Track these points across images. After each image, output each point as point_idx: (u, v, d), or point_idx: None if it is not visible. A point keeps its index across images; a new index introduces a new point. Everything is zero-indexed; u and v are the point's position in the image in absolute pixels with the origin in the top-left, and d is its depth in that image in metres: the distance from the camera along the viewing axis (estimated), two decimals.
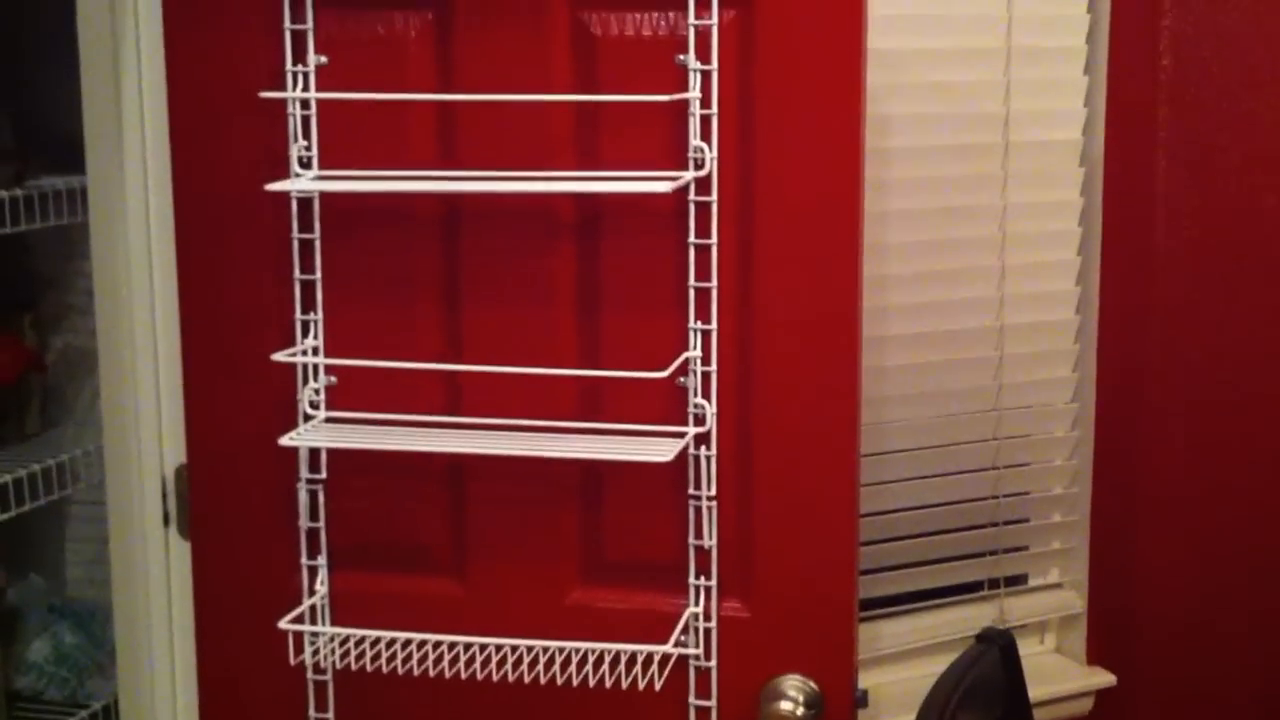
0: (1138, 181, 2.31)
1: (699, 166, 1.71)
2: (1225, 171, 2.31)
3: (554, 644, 1.78)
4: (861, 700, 1.72)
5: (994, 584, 2.36)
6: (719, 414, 1.75)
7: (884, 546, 2.26)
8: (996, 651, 1.72)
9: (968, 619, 2.32)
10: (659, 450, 1.69)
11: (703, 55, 1.71)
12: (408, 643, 1.81)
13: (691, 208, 1.73)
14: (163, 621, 1.97)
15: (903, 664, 2.30)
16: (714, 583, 1.77)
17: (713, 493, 1.76)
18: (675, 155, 1.72)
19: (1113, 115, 2.32)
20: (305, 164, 1.79)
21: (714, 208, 1.72)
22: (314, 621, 1.85)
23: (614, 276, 1.76)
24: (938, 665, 2.22)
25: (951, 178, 2.27)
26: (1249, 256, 2.34)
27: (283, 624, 1.79)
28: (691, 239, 1.73)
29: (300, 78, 1.78)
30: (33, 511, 2.27)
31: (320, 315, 1.82)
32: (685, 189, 1.72)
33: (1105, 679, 2.35)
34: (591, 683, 1.78)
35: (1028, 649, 2.37)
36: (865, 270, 1.73)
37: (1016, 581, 2.40)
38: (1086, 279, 2.36)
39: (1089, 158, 2.34)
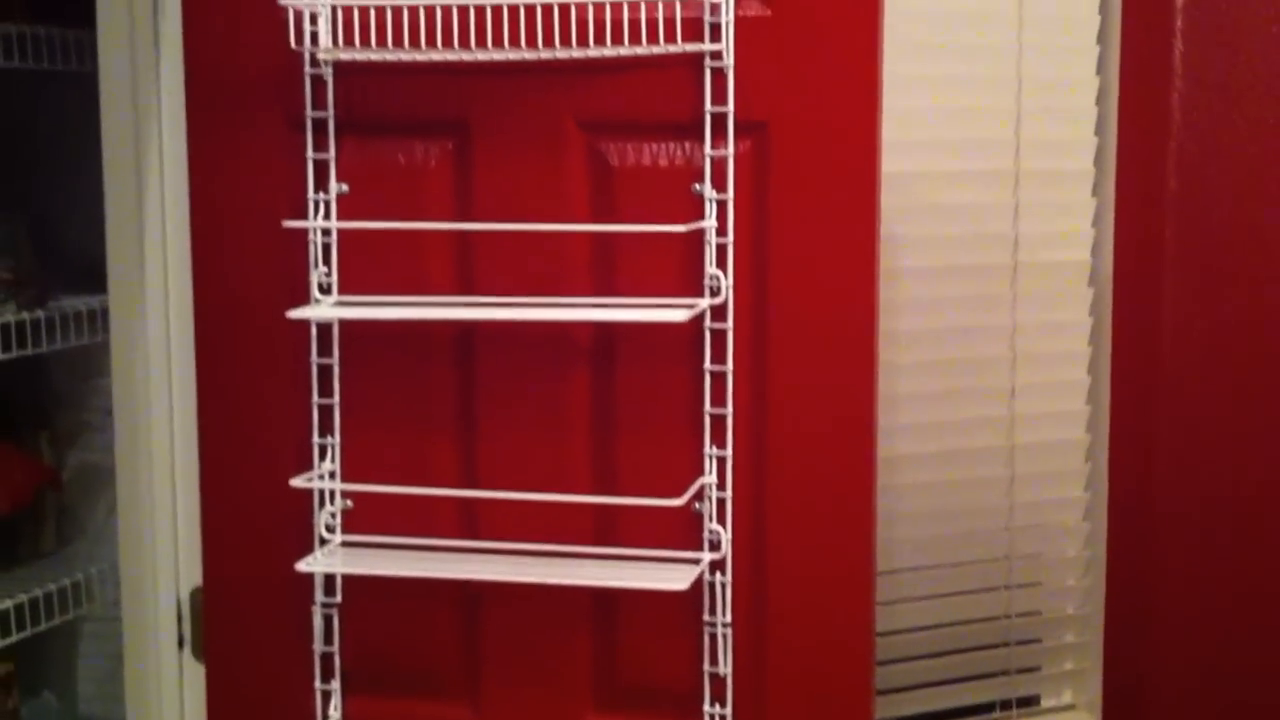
0: (1146, 301, 2.33)
1: (715, 294, 1.73)
2: (1233, 290, 2.32)
3: None
4: None
5: (1006, 705, 2.34)
6: (734, 539, 1.76)
7: (895, 667, 2.25)
8: None
9: None
10: (674, 578, 1.69)
11: (719, 184, 1.73)
12: None
13: (707, 334, 1.75)
14: None
15: None
16: (729, 711, 1.77)
17: (728, 619, 1.76)
18: (690, 281, 1.75)
19: (1120, 237, 2.34)
20: (325, 289, 1.81)
21: (729, 335, 1.74)
22: None
23: (629, 402, 1.77)
24: None
25: (961, 297, 2.29)
26: (1258, 372, 2.35)
27: None
28: (707, 365, 1.75)
29: (322, 205, 1.80)
30: (47, 629, 2.28)
31: (338, 439, 1.83)
32: (700, 316, 1.74)
33: None
34: None
35: None
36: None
37: (1029, 702, 2.39)
38: (1096, 398, 2.37)
39: (1098, 278, 2.36)
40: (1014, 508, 2.33)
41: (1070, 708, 2.42)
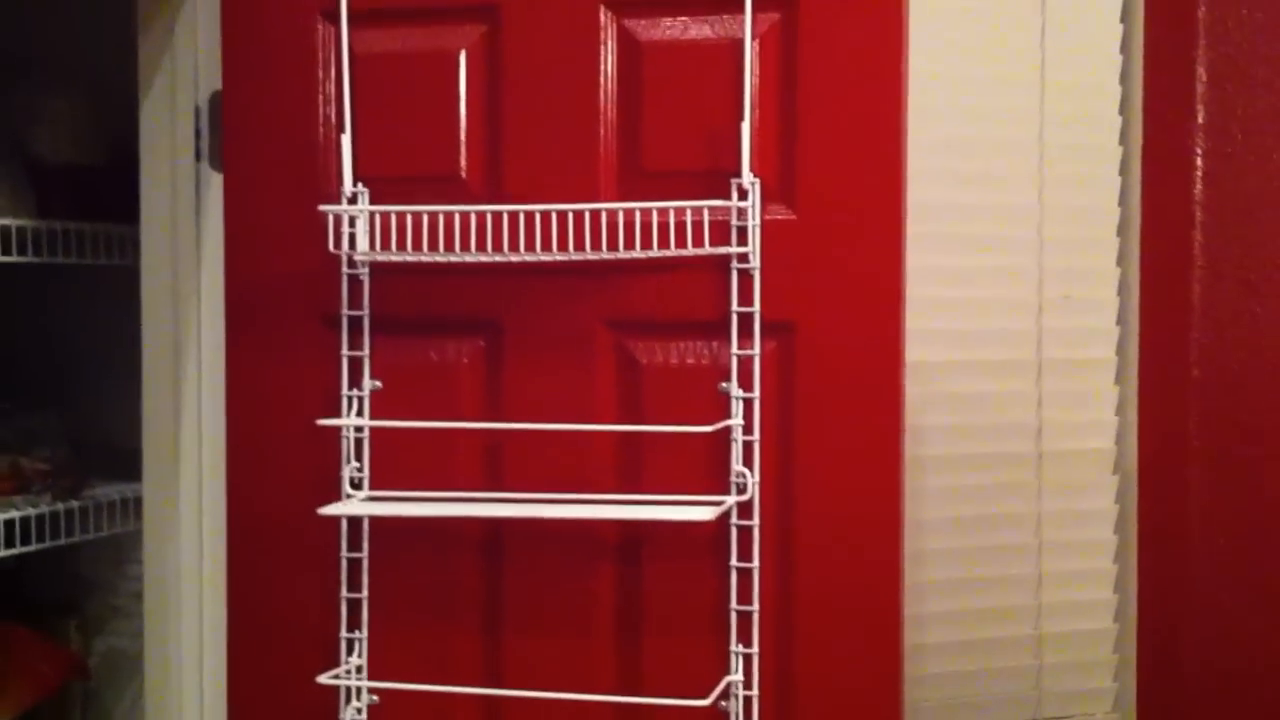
0: (1171, 491, 2.33)
1: (741, 491, 1.75)
2: (1259, 480, 2.33)
3: None
4: None
5: None
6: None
7: None
8: None
9: None
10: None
11: (745, 383, 1.76)
12: None
13: (733, 532, 1.76)
14: None
15: None
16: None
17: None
18: (716, 477, 1.77)
19: (1144, 426, 2.36)
20: (356, 484, 1.84)
21: (755, 532, 1.75)
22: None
23: (654, 602, 1.78)
24: None
25: (986, 485, 2.30)
26: None
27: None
28: (733, 563, 1.76)
29: (355, 401, 1.83)
30: None
31: (365, 634, 1.84)
32: (727, 514, 1.75)
33: None
34: None
35: None
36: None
37: None
38: (1124, 587, 2.36)
39: (1122, 466, 2.37)
40: (1042, 698, 2.31)
41: None
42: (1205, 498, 2.33)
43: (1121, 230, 2.36)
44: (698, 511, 1.69)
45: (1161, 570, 2.34)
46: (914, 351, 2.23)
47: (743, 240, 1.74)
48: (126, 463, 2.15)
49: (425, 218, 1.77)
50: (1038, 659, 2.31)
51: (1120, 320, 2.37)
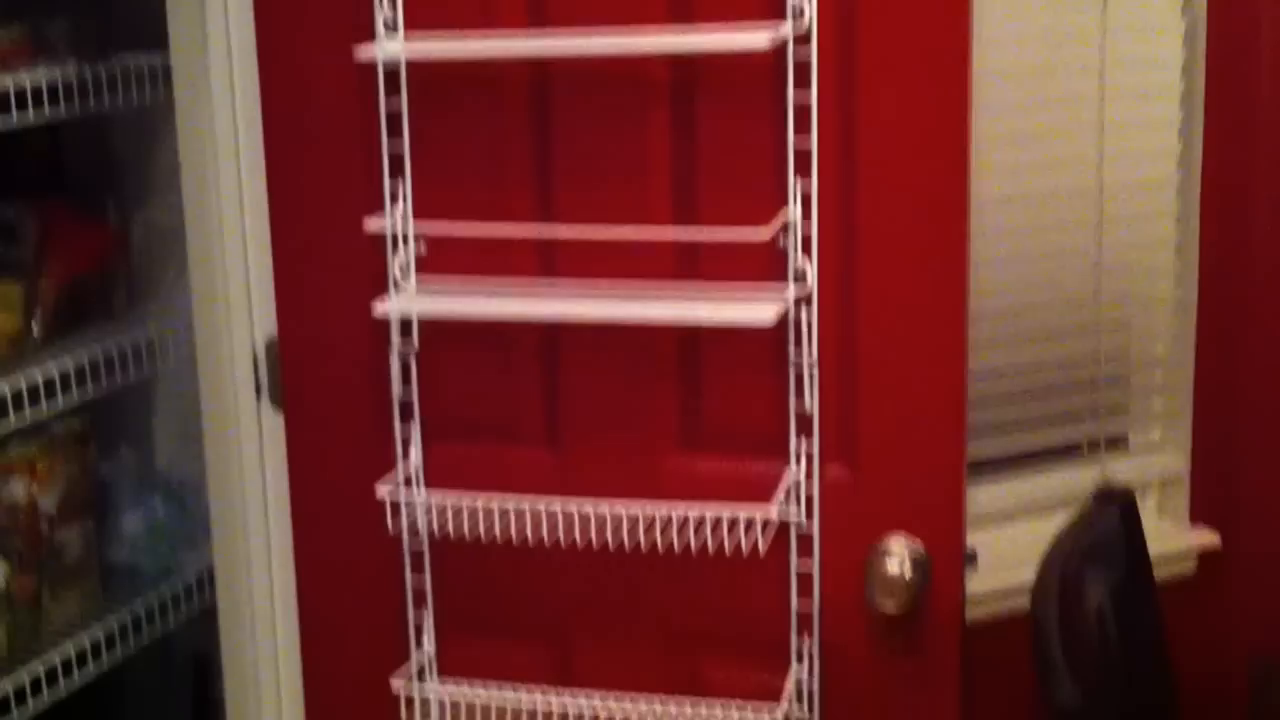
0: (1242, 28, 2.22)
1: (798, 16, 1.65)
2: None
3: (651, 507, 1.76)
4: (971, 560, 1.69)
5: (1094, 445, 2.31)
6: (820, 275, 1.71)
7: (983, 409, 2.21)
8: (1116, 511, 1.67)
9: (1068, 481, 2.27)
10: (759, 313, 1.65)
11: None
12: (505, 511, 1.79)
13: (790, 64, 1.67)
14: (256, 493, 1.96)
15: (999, 528, 2.25)
16: (816, 447, 1.74)
17: (814, 357, 1.72)
18: (772, 7, 1.67)
19: None
20: (391, 26, 1.75)
21: (813, 62, 1.66)
22: (409, 488, 1.83)
23: (710, 141, 1.71)
24: (1036, 528, 2.18)
25: (1047, 28, 2.19)
26: None
27: (380, 492, 1.78)
28: (790, 98, 1.67)
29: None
30: (122, 389, 2.27)
31: (409, 182, 1.78)
32: (782, 45, 1.66)
33: (1209, 540, 2.30)
34: (693, 547, 1.76)
35: None
36: None
37: (1116, 443, 2.35)
38: (1189, 133, 2.28)
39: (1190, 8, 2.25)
40: (1104, 246, 2.26)
41: (1159, 447, 2.38)
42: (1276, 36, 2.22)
43: None
44: (750, 38, 1.60)
45: (1231, 109, 2.25)
46: None
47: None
48: (153, 32, 2.05)
49: None
50: (1100, 207, 2.24)
51: None
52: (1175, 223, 2.31)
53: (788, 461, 1.74)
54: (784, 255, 1.71)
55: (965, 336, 1.69)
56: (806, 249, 1.70)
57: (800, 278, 1.70)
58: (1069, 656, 1.58)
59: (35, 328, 2.21)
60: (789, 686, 1.76)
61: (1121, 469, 2.32)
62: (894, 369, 1.71)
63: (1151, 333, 2.34)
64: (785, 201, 1.69)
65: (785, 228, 1.69)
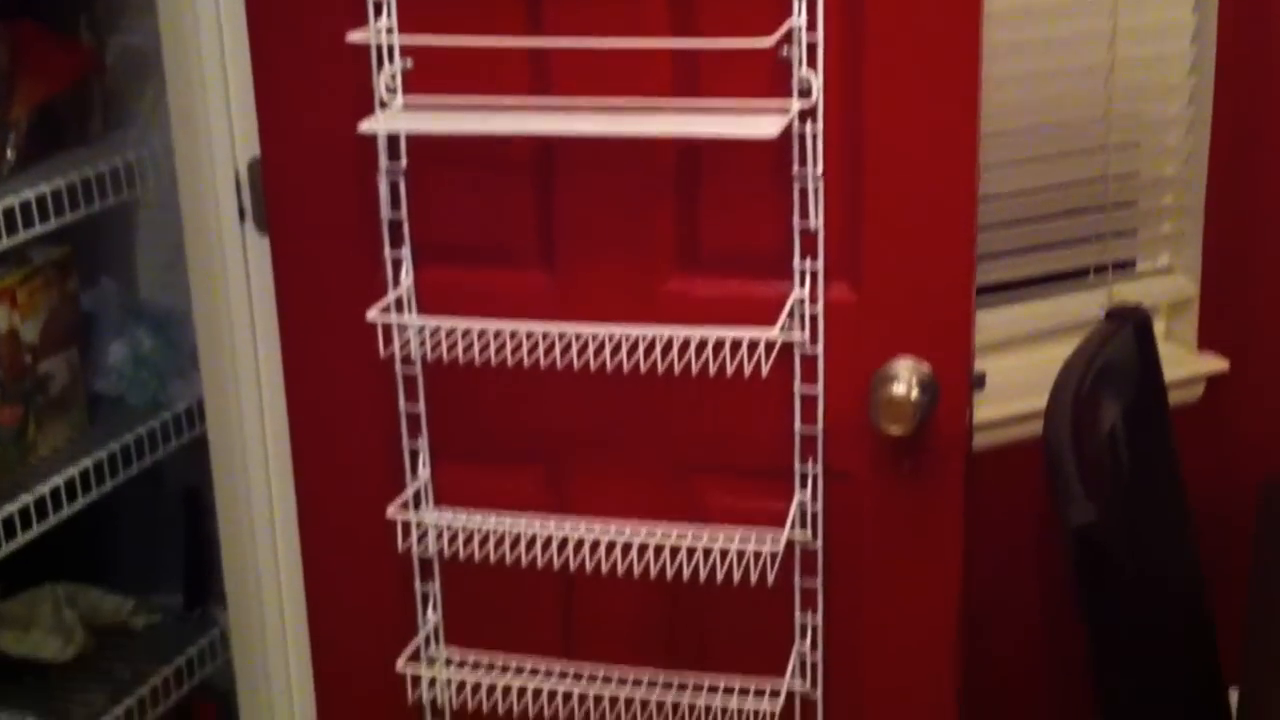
0: None
1: None
2: None
3: (650, 330, 1.71)
4: (979, 382, 1.65)
5: (1101, 269, 2.26)
6: (826, 87, 1.63)
7: (990, 233, 2.16)
8: (1130, 330, 1.62)
9: (1074, 305, 2.23)
10: (762, 126, 1.58)
11: None
12: (499, 333, 1.74)
13: None
14: (244, 319, 1.91)
15: (1007, 352, 2.21)
16: (820, 266, 1.68)
17: (819, 171, 1.66)
18: None
19: None
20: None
21: None
22: (401, 313, 1.78)
23: None
24: (1043, 353, 2.15)
25: None
26: None
27: (371, 314, 1.73)
28: None
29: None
30: (102, 215, 2.20)
31: None
32: None
33: (1217, 364, 2.27)
34: (694, 369, 1.70)
35: None
36: None
37: (1125, 267, 2.30)
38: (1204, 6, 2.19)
39: None
40: (1115, 63, 2.18)
41: (1167, 270, 2.33)
42: None
43: None
44: None
45: None
46: None
47: None
48: None
49: None
50: (1112, 21, 2.17)
51: None
52: (1190, 38, 2.23)
53: (791, 282, 1.69)
54: (788, 68, 1.63)
55: (976, 150, 1.63)
56: (811, 60, 1.63)
57: (805, 90, 1.63)
58: (1083, 474, 1.54)
59: (9, 152, 2.13)
60: (792, 511, 1.73)
61: (1129, 293, 2.27)
62: (901, 185, 1.64)
63: (1162, 154, 2.27)
64: (789, 12, 1.61)
65: (789, 36, 1.62)
